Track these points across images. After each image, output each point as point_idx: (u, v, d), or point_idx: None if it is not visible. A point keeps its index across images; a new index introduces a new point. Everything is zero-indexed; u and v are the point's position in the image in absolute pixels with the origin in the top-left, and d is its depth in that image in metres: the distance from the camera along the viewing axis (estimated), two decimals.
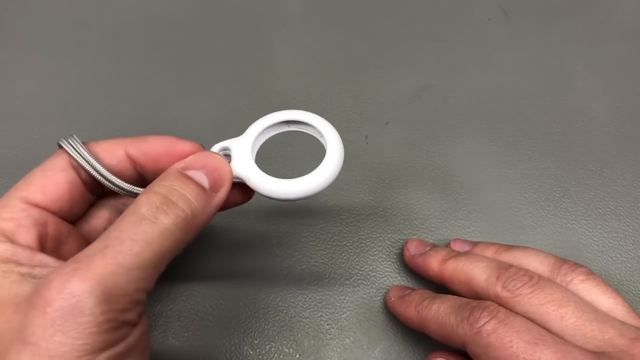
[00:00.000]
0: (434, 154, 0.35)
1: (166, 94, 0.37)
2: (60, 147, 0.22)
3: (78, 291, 0.16)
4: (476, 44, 0.41)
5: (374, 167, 0.34)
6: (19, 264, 0.19)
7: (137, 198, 0.20)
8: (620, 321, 0.22)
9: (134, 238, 0.18)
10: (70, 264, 0.17)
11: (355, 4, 0.43)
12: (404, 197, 0.33)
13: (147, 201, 0.19)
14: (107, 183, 0.22)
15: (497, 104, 0.38)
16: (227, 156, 0.24)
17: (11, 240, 0.19)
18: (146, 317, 0.20)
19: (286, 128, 0.25)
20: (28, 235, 0.20)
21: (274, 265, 0.31)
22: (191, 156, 0.22)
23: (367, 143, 0.35)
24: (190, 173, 0.21)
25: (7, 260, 0.19)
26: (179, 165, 0.21)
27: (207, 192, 0.21)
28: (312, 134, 0.25)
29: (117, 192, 0.22)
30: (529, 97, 0.38)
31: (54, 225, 0.21)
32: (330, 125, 0.24)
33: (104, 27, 0.41)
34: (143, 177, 0.23)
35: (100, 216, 0.24)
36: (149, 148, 0.23)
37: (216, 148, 0.24)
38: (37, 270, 0.19)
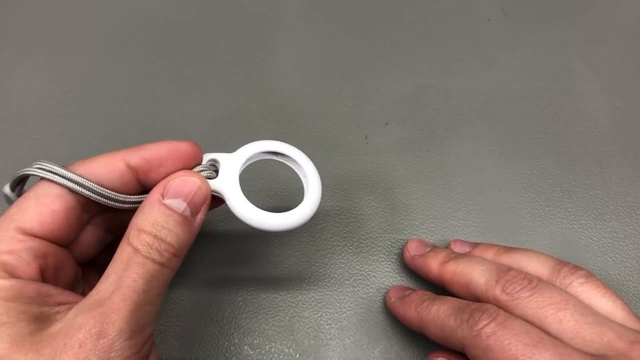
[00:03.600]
0: (434, 154, 0.35)
1: (166, 94, 0.37)
2: (42, 177, 0.21)
3: (110, 333, 0.18)
4: (476, 44, 0.41)
5: (374, 167, 0.34)
6: (29, 301, 0.19)
7: (129, 237, 0.21)
8: (619, 324, 0.22)
9: (143, 277, 0.20)
10: (94, 307, 0.19)
11: (355, 4, 0.43)
12: (404, 197, 0.33)
13: (140, 242, 0.20)
14: (109, 202, 0.22)
15: (497, 104, 0.38)
16: (214, 166, 0.24)
17: (12, 274, 0.19)
18: (155, 345, 0.22)
19: (274, 157, 0.26)
20: (29, 269, 0.20)
21: (274, 265, 0.31)
22: (169, 181, 0.22)
23: (367, 143, 0.35)
24: (169, 202, 0.21)
25: (17, 298, 0.19)
26: (158, 194, 0.22)
27: (189, 218, 0.22)
28: (296, 170, 0.26)
29: (117, 208, 0.23)
30: (529, 97, 0.38)
31: (53, 255, 0.21)
32: (315, 170, 0.26)
33: (104, 27, 0.41)
34: (144, 186, 0.23)
35: (86, 230, 0.24)
36: (151, 154, 0.23)
37: (206, 159, 0.24)
38: (46, 309, 0.19)
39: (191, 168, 0.24)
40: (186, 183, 0.22)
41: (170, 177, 0.22)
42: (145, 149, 0.23)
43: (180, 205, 0.22)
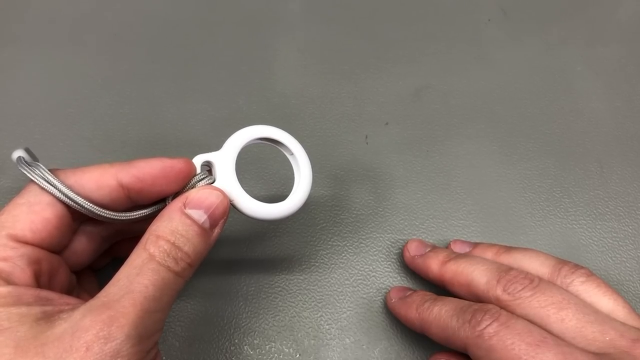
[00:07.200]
0: (434, 154, 0.35)
1: (166, 94, 0.37)
2: (33, 181, 0.21)
3: (118, 337, 0.18)
4: (476, 44, 0.41)
5: (374, 167, 0.34)
6: (29, 305, 0.19)
7: (146, 242, 0.21)
8: (621, 322, 0.22)
9: (155, 284, 0.20)
10: (103, 310, 0.18)
11: (355, 4, 0.43)
12: (404, 197, 0.33)
13: (158, 248, 0.20)
14: (97, 217, 0.22)
15: (497, 104, 0.38)
16: (207, 167, 0.24)
17: (8, 282, 0.19)
18: (160, 352, 0.22)
19: (259, 142, 0.26)
20: (24, 276, 0.20)
21: (274, 266, 0.31)
22: (192, 192, 0.22)
23: (367, 143, 0.35)
24: (190, 212, 0.22)
25: (17, 303, 0.19)
26: (180, 203, 0.22)
27: (207, 231, 0.22)
28: (282, 150, 0.27)
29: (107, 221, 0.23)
30: (529, 97, 0.38)
31: (46, 261, 0.21)
32: (302, 149, 0.26)
33: (104, 27, 0.40)
34: (135, 202, 0.23)
35: (78, 239, 0.24)
36: (143, 173, 0.22)
37: (198, 161, 0.24)
38: (48, 309, 0.19)
39: (189, 179, 0.24)
40: (209, 196, 0.22)
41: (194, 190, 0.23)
42: (137, 166, 0.22)
43: (201, 216, 0.22)
